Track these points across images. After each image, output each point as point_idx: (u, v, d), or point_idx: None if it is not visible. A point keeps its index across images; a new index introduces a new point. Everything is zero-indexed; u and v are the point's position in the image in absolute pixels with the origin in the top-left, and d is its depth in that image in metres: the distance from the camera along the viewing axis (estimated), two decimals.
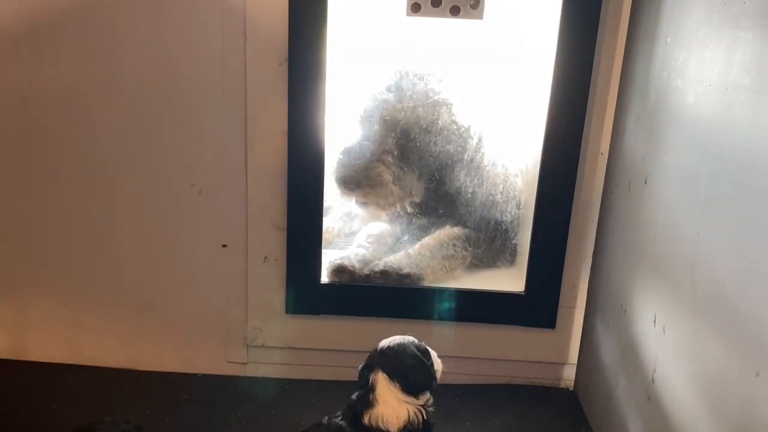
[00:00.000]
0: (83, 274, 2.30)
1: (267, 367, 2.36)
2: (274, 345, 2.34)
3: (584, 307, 2.27)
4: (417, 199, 2.39)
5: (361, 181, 2.29)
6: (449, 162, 2.31)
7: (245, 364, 2.37)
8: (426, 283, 2.33)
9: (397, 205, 2.39)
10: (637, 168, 1.88)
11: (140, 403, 2.18)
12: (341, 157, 2.31)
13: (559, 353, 2.34)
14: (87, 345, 2.35)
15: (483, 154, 2.33)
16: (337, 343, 2.31)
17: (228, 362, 2.37)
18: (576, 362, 2.33)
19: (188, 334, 2.35)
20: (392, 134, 2.25)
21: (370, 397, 1.67)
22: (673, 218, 1.62)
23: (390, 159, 2.24)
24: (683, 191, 1.58)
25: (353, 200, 2.37)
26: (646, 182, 1.81)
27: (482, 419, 2.18)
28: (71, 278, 2.31)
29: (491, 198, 2.35)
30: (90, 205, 2.23)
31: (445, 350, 2.18)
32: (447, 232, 2.39)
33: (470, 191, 2.35)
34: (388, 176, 2.26)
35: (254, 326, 2.32)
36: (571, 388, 2.35)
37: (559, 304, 2.28)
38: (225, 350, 2.36)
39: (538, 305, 2.28)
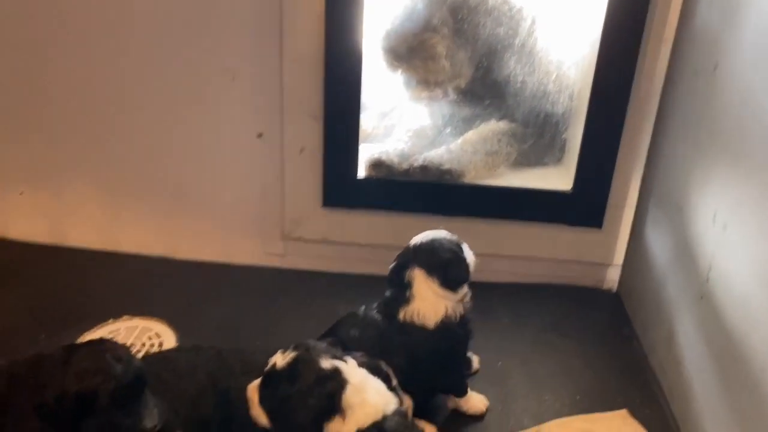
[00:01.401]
0: (118, 162, 2.27)
1: (304, 259, 2.33)
2: (311, 238, 2.30)
3: (635, 206, 2.16)
4: (463, 84, 2.23)
5: (413, 51, 2.13)
6: (499, 47, 2.15)
7: (282, 256, 2.34)
8: (467, 180, 2.24)
9: (443, 87, 2.24)
10: (707, 53, 1.71)
11: (178, 291, 2.19)
12: (390, 26, 2.15)
13: (605, 253, 2.25)
14: (124, 233, 2.35)
15: (536, 39, 2.16)
16: (374, 238, 2.26)
17: (265, 253, 2.34)
18: (621, 263, 2.25)
19: (225, 224, 2.32)
20: (438, 14, 2.09)
21: (407, 293, 1.62)
22: (746, 106, 1.48)
23: (445, 30, 2.07)
24: (760, 75, 1.42)
25: (399, 73, 2.22)
26: (715, 68, 1.65)
27: (521, 318, 2.13)
28: (107, 166, 2.28)
29: (542, 88, 2.20)
30: (123, 93, 2.17)
31: (485, 248, 2.10)
32: (492, 126, 2.27)
33: (520, 80, 2.20)
34: (441, 49, 2.09)
35: (291, 218, 2.28)
36: (614, 290, 2.28)
37: (608, 203, 2.17)
38: (262, 242, 2.33)
39: (585, 203, 2.17)
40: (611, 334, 2.07)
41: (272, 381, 1.40)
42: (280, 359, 1.40)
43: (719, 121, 1.61)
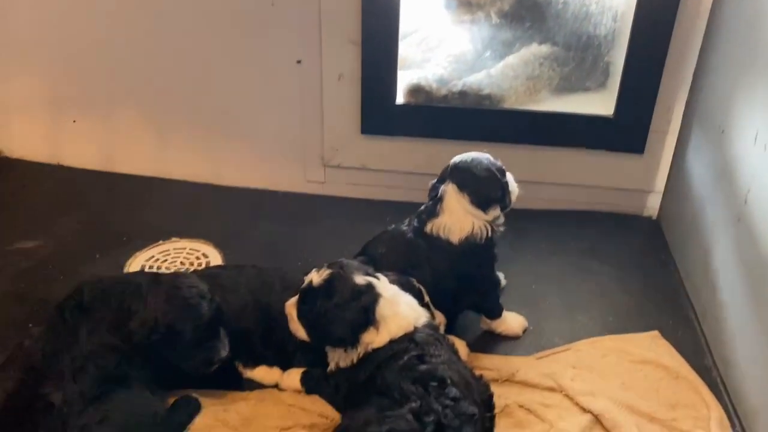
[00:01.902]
0: (165, 91, 2.33)
1: (344, 186, 2.37)
2: (351, 165, 2.34)
3: (677, 131, 2.11)
4: (506, 6, 2.19)
5: None
6: None
7: (323, 183, 2.39)
8: (507, 105, 2.22)
9: (485, 10, 2.19)
10: None
11: (223, 215, 2.28)
12: None
13: (646, 180, 2.22)
14: (172, 160, 2.43)
15: None
16: (412, 165, 2.27)
17: (307, 181, 2.40)
18: (662, 190, 2.22)
19: (268, 152, 2.38)
20: None
21: (437, 207, 1.65)
22: None
23: None
24: None
25: None
26: None
27: (558, 242, 2.14)
28: (155, 95, 2.34)
29: (584, 9, 2.13)
30: (167, 24, 2.21)
31: (524, 175, 2.10)
32: (533, 50, 2.23)
33: (561, 1, 2.14)
34: None
35: (330, 146, 2.31)
36: (654, 217, 2.26)
37: (650, 129, 2.13)
38: (303, 169, 2.38)
39: (627, 128, 2.14)
40: (649, 260, 2.07)
41: (309, 297, 1.46)
42: (315, 277, 1.47)
43: (765, 41, 1.55)
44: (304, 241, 2.16)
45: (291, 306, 1.52)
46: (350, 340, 1.42)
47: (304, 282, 1.49)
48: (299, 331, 1.50)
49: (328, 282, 1.45)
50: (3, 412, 1.31)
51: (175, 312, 1.42)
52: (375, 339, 1.41)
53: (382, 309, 1.42)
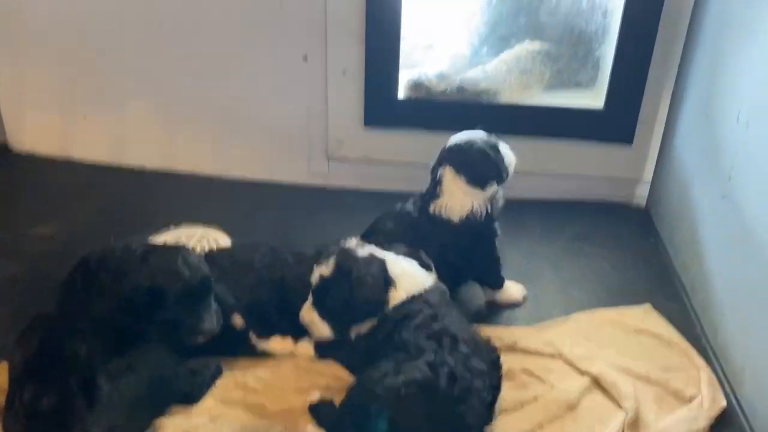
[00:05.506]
0: (173, 86, 2.42)
1: (347, 178, 2.47)
2: (354, 157, 2.43)
3: (664, 121, 2.24)
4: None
5: None
6: None
7: (327, 174, 2.48)
8: (502, 99, 2.34)
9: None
10: None
11: (231, 205, 2.36)
12: None
13: (635, 169, 2.34)
14: (180, 154, 2.51)
15: None
16: (414, 156, 2.34)
17: (311, 173, 2.49)
18: (650, 179, 2.34)
19: (273, 145, 2.47)
20: None
21: (437, 189, 1.75)
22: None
23: None
24: None
25: None
26: None
27: (551, 229, 2.25)
28: (162, 90, 2.43)
29: (576, 6, 2.27)
30: (175, 18, 2.31)
31: (518, 166, 2.21)
32: (526, 46, 2.36)
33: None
34: None
35: (334, 138, 2.41)
36: (643, 205, 2.38)
37: (639, 120, 2.26)
38: (307, 161, 2.47)
39: (617, 121, 2.26)
40: (638, 243, 2.18)
41: (326, 288, 1.52)
42: (323, 269, 1.53)
43: (742, 29, 1.67)
44: (308, 229, 2.24)
45: (308, 310, 1.55)
46: (379, 306, 1.49)
47: (313, 283, 1.53)
48: (324, 331, 1.53)
49: (338, 266, 1.51)
50: (32, 366, 1.37)
51: (158, 276, 1.45)
52: (396, 296, 1.49)
53: (392, 269, 1.51)
